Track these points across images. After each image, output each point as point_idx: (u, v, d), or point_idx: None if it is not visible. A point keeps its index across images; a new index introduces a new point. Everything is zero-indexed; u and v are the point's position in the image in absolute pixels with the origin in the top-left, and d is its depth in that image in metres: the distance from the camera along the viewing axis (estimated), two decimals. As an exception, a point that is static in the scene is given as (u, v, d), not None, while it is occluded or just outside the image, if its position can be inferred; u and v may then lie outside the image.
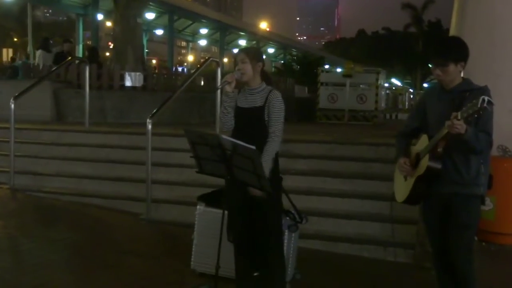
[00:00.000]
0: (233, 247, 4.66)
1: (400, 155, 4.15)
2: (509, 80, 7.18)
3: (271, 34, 66.06)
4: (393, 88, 44.17)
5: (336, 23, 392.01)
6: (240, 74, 4.47)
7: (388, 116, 27.17)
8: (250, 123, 4.49)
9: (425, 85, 60.23)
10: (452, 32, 8.69)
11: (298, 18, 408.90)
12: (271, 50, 61.59)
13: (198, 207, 5.46)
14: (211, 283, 4.56)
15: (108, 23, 43.56)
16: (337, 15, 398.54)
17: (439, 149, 3.82)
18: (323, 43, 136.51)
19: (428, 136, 3.95)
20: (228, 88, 4.41)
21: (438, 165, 3.84)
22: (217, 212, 4.73)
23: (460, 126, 3.54)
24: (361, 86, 18.84)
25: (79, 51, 34.31)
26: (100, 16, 36.56)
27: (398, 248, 6.30)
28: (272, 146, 4.39)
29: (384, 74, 21.27)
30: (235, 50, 57.33)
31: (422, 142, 4.01)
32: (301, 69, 26.86)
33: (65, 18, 68.47)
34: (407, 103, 38.64)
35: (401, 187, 4.22)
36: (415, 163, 4.03)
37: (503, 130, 6.26)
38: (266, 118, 4.46)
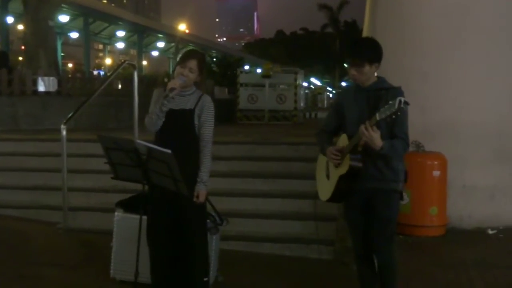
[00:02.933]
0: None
1: (325, 147, 4.13)
2: (420, 77, 7.44)
3: (190, 35, 65.79)
4: (312, 87, 45.01)
5: (255, 24, 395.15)
6: (184, 81, 4.40)
7: (308, 115, 27.69)
8: (180, 124, 4.46)
9: (343, 83, 61.67)
10: (366, 31, 8.93)
11: (217, 20, 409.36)
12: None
13: (116, 213, 5.36)
14: (131, 290, 4.46)
15: (20, 26, 42.04)
16: (256, 16, 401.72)
17: (360, 149, 3.88)
18: (243, 44, 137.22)
19: (347, 135, 3.99)
20: (172, 94, 4.32)
21: (359, 164, 3.90)
22: (136, 218, 4.60)
23: (377, 140, 3.68)
24: (280, 86, 19.08)
25: (-11, 56, 32.86)
26: (10, 19, 35.15)
27: (320, 245, 6.39)
28: (209, 153, 4.59)
29: (302, 74, 21.64)
30: (154, 53, 56.19)
31: (342, 141, 4.05)
32: (220, 70, 26.88)
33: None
34: (326, 102, 39.49)
35: (324, 186, 4.26)
36: None
37: (415, 126, 6.41)
38: (196, 122, 4.46)
